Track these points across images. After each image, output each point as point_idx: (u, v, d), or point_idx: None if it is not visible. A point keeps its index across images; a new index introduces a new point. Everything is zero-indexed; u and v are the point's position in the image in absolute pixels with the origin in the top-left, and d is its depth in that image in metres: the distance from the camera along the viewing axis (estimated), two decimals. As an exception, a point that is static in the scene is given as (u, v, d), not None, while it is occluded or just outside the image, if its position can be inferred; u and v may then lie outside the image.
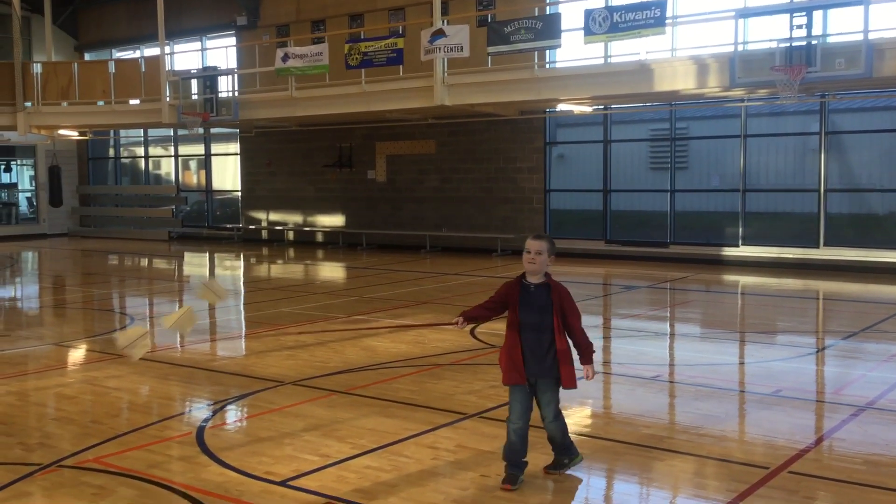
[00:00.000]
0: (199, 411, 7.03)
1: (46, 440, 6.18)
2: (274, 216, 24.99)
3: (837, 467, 5.38)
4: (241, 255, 21.76)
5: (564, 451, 5.38)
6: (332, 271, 18.37)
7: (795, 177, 17.70)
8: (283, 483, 5.22)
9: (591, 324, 11.21)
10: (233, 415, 6.91)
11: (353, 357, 8.89)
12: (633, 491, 5.20)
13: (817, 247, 16.78)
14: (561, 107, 18.58)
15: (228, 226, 26.17)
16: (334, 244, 23.26)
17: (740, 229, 17.81)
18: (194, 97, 21.59)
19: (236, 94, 22.03)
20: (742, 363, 8.89)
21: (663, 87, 15.68)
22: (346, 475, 5.35)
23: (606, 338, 10.37)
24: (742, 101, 17.10)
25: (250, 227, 25.40)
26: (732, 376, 8.15)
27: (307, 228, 24.13)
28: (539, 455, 5.51)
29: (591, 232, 19.81)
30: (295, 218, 24.51)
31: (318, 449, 5.87)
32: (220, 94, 21.33)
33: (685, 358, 9.23)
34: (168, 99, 21.64)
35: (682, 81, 15.43)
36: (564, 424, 5.34)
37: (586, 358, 5.24)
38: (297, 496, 5.01)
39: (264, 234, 25.19)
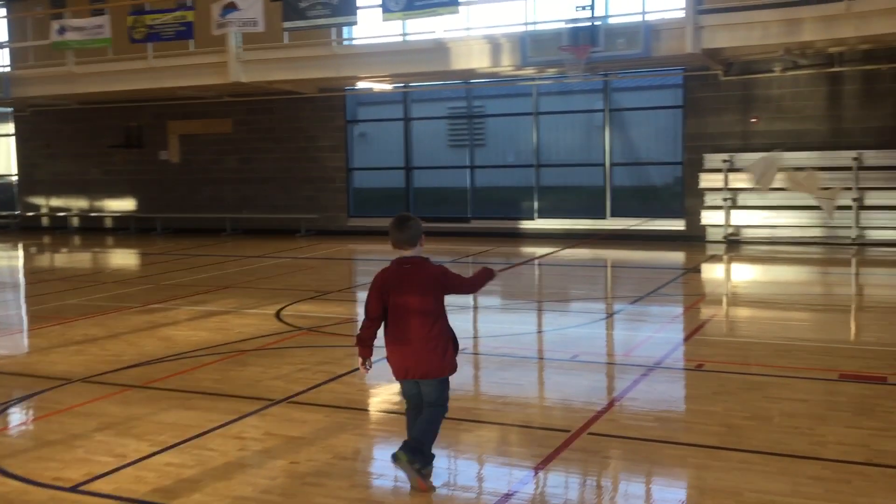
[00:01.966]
0: (-26, 418, 6.39)
1: None
2: (56, 202, 23.24)
3: (632, 426, 5.70)
4: (20, 245, 20.09)
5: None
6: (124, 258, 17.37)
7: (583, 152, 18.63)
8: (73, 489, 4.84)
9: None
10: (14, 418, 6.34)
11: (150, 349, 8.42)
12: (442, 465, 5.25)
13: (604, 217, 17.77)
14: (361, 84, 18.49)
15: (3, 213, 24.06)
16: (125, 230, 21.96)
17: (535, 203, 18.52)
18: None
19: (7, 69, 20.20)
20: (541, 332, 9.25)
21: (459, 65, 15.98)
22: (144, 475, 5.04)
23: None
24: (533, 79, 17.73)
25: (29, 213, 23.49)
26: (533, 345, 8.46)
27: (94, 214, 22.62)
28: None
29: (393, 210, 19.90)
30: (80, 203, 22.91)
31: (113, 449, 5.50)
32: (-13, 70, 19.51)
33: (488, 329, 9.47)
34: (-75, 74, 19.55)
35: (478, 60, 15.78)
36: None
37: None
38: (89, 501, 4.67)
39: (45, 220, 23.37)
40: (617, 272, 14.31)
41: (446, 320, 4.87)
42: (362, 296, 12.10)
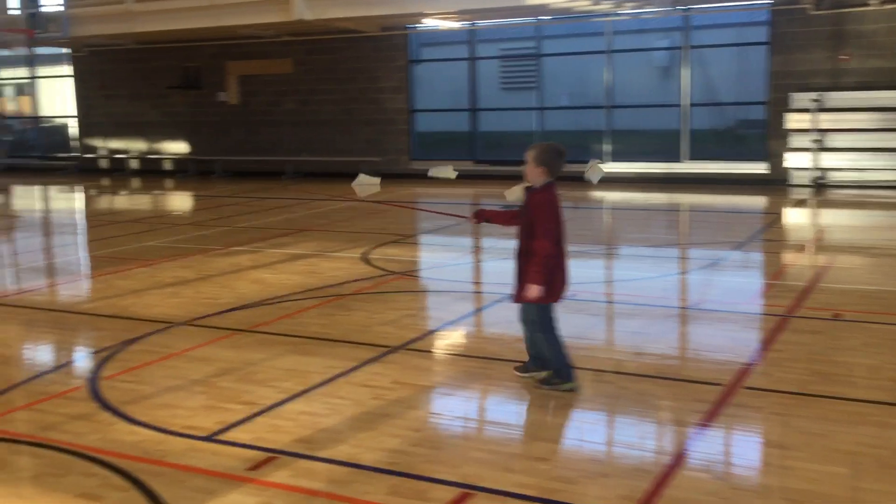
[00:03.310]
0: (85, 360, 6.16)
1: None
2: (114, 144, 23.07)
3: (789, 379, 5.28)
4: (81, 187, 19.98)
5: (551, 367, 5.15)
6: (189, 201, 17.16)
7: (656, 94, 17.93)
8: (209, 438, 4.56)
9: (472, 245, 10.88)
10: (126, 362, 6.07)
11: (245, 291, 8.14)
12: (601, 419, 4.89)
13: (680, 160, 17.13)
14: (427, 21, 17.89)
15: (62, 155, 23.98)
16: (184, 172, 21.76)
17: (606, 146, 17.89)
18: (15, 12, 19.37)
19: (65, 8, 19.87)
20: (649, 279, 8.79)
21: (533, 0, 15.33)
22: (280, 424, 4.75)
23: (492, 259, 10.07)
24: (607, 16, 17.00)
25: (87, 155, 23.37)
26: (647, 292, 7.98)
27: (152, 156, 22.44)
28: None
29: (456, 153, 19.43)
30: (138, 145, 22.72)
31: (239, 396, 5.22)
32: (45, 9, 19.20)
33: (590, 275, 9.04)
34: (-17, 14, 19.31)
35: (554, -6, 15.14)
36: (544, 342, 5.10)
37: (531, 272, 4.91)
38: (231, 452, 4.37)
39: (104, 163, 23.25)
40: (705, 217, 13.73)
41: None
42: (444, 240, 11.73)
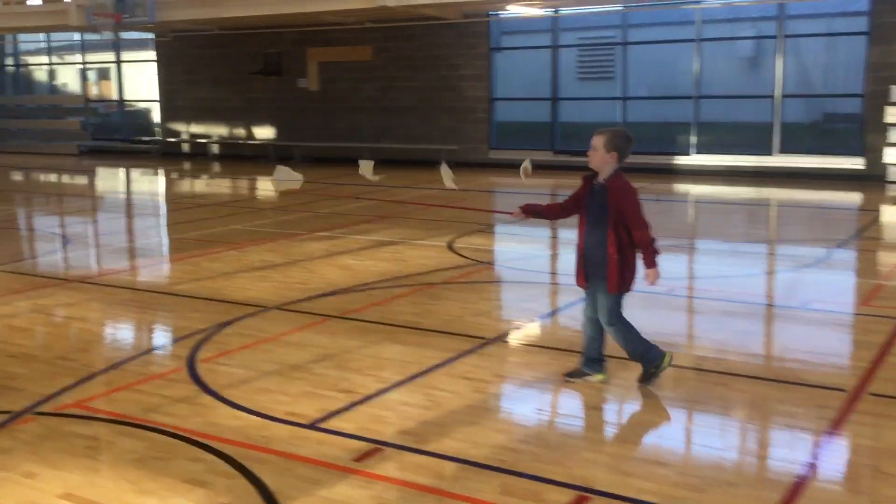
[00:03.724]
0: (182, 342, 6.13)
1: (10, 382, 5.21)
2: (196, 128, 23.40)
3: (919, 387, 4.96)
4: (164, 170, 20.31)
5: (640, 361, 4.98)
6: (270, 186, 17.24)
7: (745, 85, 17.37)
8: (312, 426, 4.47)
9: (563, 238, 10.64)
10: (222, 345, 6.03)
11: (333, 277, 8.08)
12: (715, 424, 4.64)
13: (771, 154, 16.55)
14: (511, 8, 17.63)
15: (145, 139, 24.45)
16: (264, 157, 21.93)
17: (693, 138, 17.41)
18: (105, -4, 19.73)
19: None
20: (751, 275, 8.43)
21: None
22: (382, 414, 4.64)
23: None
24: (698, 2, 16.52)
25: (170, 139, 23.77)
26: (750, 290, 7.65)
27: (233, 141, 22.69)
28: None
29: (535, 143, 19.16)
30: (219, 130, 23.00)
31: (338, 383, 5.12)
32: (133, -7, 19.52)
33: (686, 271, 8.74)
34: (74, -2, 19.73)
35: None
36: (623, 332, 4.91)
37: (645, 260, 4.79)
38: (335, 441, 4.27)
39: (185, 147, 23.62)
40: (802, 213, 13.19)
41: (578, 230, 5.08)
42: (530, 231, 11.53)
